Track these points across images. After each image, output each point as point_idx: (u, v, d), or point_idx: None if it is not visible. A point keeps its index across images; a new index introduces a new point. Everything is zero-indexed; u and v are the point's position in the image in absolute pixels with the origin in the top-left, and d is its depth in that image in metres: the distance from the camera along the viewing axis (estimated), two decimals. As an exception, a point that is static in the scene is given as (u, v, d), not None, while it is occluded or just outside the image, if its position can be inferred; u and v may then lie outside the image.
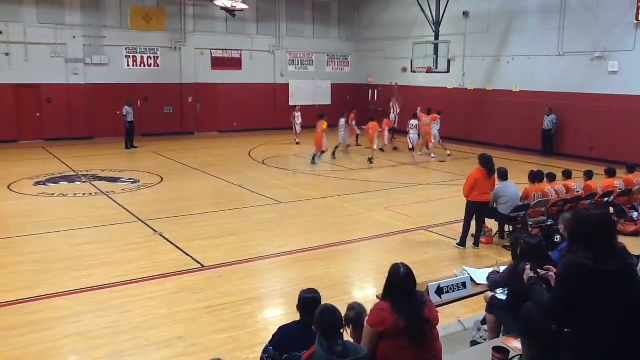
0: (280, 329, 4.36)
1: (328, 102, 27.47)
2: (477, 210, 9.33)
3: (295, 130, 22.17)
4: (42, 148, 20.08)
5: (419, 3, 20.90)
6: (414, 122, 18.52)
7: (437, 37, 20.84)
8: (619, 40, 17.50)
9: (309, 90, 27.21)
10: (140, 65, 23.25)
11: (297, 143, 21.82)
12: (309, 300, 4.24)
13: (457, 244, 9.44)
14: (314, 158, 17.73)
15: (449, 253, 9.21)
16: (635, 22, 16.92)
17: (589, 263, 3.39)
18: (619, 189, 10.79)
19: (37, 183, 14.25)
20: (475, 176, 9.23)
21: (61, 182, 14.39)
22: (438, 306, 4.85)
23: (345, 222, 11.18)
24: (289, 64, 26.82)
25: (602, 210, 3.96)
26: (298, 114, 22.22)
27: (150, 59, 23.45)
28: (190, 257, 8.76)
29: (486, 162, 9.31)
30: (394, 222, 11.05)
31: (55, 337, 6.14)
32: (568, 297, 3.43)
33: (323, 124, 17.89)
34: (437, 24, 20.74)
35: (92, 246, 9.30)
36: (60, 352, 5.94)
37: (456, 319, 6.07)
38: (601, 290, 3.35)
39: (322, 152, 18.00)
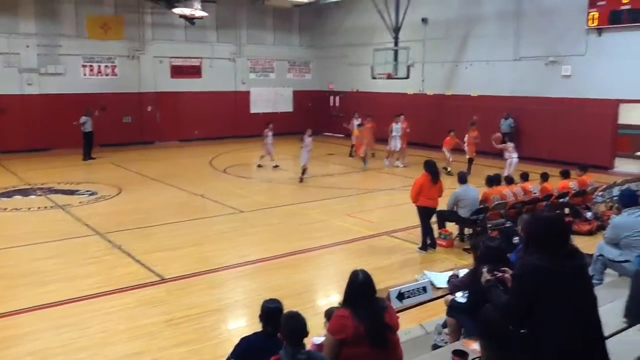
0: (242, 340, 4.34)
1: (290, 109, 27.53)
2: (427, 214, 9.48)
3: (269, 150, 17.98)
4: (-4, 161, 19.44)
5: (378, 10, 21.09)
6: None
7: (396, 43, 21.09)
8: (572, 45, 18.04)
9: (270, 97, 27.15)
10: (98, 75, 22.79)
11: (275, 166, 18.03)
12: (271, 311, 4.26)
13: (418, 248, 9.54)
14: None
15: (412, 257, 9.29)
16: (587, 27, 17.47)
17: (544, 264, 3.44)
18: (574, 190, 11.10)
19: (-10, 197, 13.79)
20: (420, 182, 9.38)
21: (15, 196, 13.94)
22: (399, 311, 4.88)
23: (308, 229, 11.16)
24: (250, 72, 26.68)
25: (556, 212, 4.05)
26: (270, 133, 17.97)
27: (108, 68, 23.01)
28: (150, 269, 8.59)
29: (430, 168, 9.46)
30: (356, 228, 11.09)
31: (14, 357, 5.95)
32: (524, 297, 3.48)
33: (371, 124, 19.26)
34: (396, 30, 20.98)
35: (49, 262, 9.01)
36: (15, 372, 5.75)
37: (418, 323, 6.10)
38: (556, 291, 3.41)
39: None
